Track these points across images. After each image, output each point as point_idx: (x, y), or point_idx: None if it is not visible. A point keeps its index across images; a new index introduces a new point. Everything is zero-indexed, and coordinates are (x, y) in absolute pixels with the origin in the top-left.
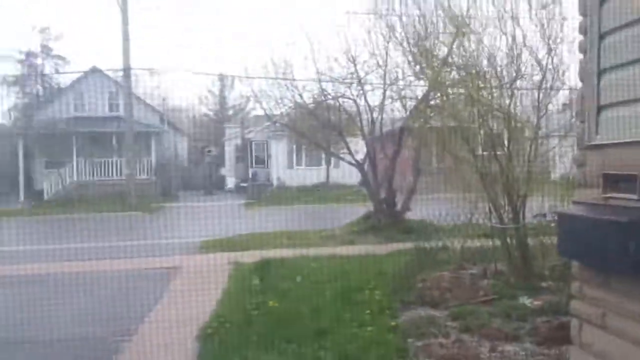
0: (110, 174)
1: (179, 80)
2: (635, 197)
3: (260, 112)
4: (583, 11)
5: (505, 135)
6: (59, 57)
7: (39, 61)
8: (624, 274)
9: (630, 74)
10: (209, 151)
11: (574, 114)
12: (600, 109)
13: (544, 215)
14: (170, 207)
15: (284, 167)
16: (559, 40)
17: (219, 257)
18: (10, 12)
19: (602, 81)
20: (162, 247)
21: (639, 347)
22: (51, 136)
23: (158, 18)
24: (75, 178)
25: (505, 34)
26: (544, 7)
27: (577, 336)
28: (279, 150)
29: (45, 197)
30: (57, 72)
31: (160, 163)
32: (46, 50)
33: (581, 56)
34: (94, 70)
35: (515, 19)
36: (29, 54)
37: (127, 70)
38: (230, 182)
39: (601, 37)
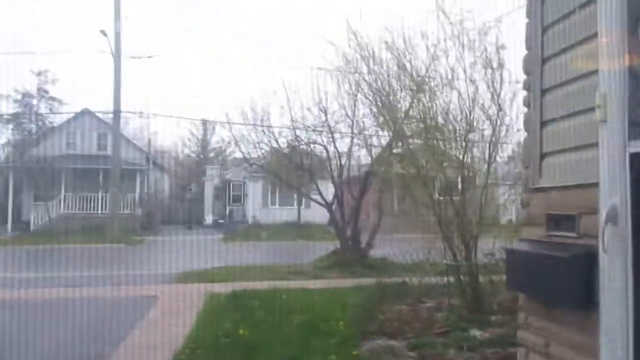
0: (95, 208)
1: (164, 123)
2: (574, 234)
3: (239, 155)
4: (526, 70)
5: (459, 182)
6: (54, 98)
7: (34, 102)
8: (564, 306)
9: (568, 126)
10: (190, 189)
11: (517, 164)
12: (542, 156)
13: (493, 255)
14: (151, 240)
15: (259, 206)
16: (505, 98)
17: (195, 287)
18: (10, 55)
19: (544, 131)
20: (141, 277)
21: None
22: (41, 171)
23: (148, 65)
24: (62, 211)
25: (458, 92)
26: (492, 69)
27: None
28: (254, 190)
29: (32, 228)
30: (51, 112)
31: (143, 199)
32: (42, 92)
33: (525, 109)
34: (86, 112)
35: (468, 79)
36: (25, 95)
37: (116, 112)
38: (209, 219)
39: (542, 92)
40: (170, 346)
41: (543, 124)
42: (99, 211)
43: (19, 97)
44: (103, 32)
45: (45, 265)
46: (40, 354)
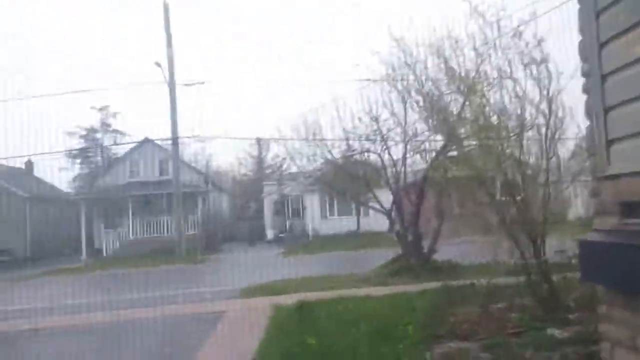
0: (161, 231)
1: (220, 145)
2: None
3: (294, 169)
4: (583, 56)
5: (520, 180)
6: (117, 131)
7: (99, 135)
8: None
9: (635, 109)
10: (249, 206)
11: (582, 159)
12: (609, 142)
13: (564, 251)
14: (215, 258)
15: (318, 217)
16: (557, 92)
17: (261, 301)
18: (71, 95)
19: (608, 117)
20: (208, 294)
21: None
22: (109, 200)
23: (201, 91)
24: (130, 236)
25: (507, 89)
26: (536, 63)
27: (610, 359)
28: (313, 203)
29: (104, 254)
30: (114, 143)
31: (205, 219)
32: (105, 126)
33: (585, 97)
34: (146, 141)
35: (512, 75)
36: (90, 130)
37: (175, 139)
38: (270, 234)
39: (603, 78)
40: (242, 358)
41: (606, 109)
42: (165, 234)
43: (84, 132)
44: (157, 64)
45: (118, 289)
46: None
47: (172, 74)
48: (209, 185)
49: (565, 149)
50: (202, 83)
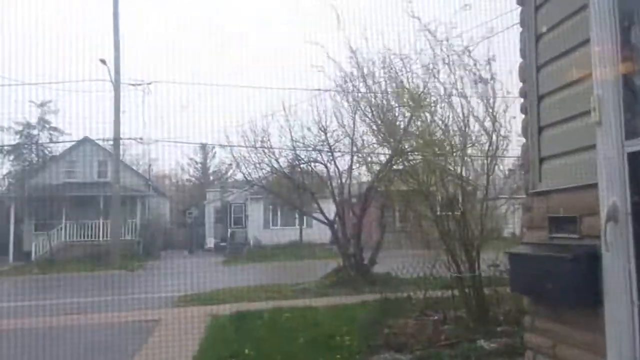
0: (96, 236)
1: (164, 149)
2: (576, 235)
3: (239, 177)
4: (522, 78)
5: (460, 196)
6: (55, 128)
7: (35, 132)
8: (570, 306)
9: (565, 129)
10: (190, 213)
11: (517, 176)
12: (541, 160)
13: (497, 266)
14: (152, 265)
15: (261, 227)
16: (499, 110)
17: (197, 310)
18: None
19: (541, 136)
20: (142, 302)
21: None
22: (42, 201)
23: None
24: (62, 239)
25: (453, 107)
26: (484, 82)
27: None
28: (256, 212)
29: (33, 257)
30: (51, 141)
31: (144, 224)
32: (44, 122)
33: (522, 116)
34: (86, 140)
35: (460, 93)
36: (26, 126)
37: (116, 139)
38: (210, 242)
39: (539, 99)
40: None
41: (541, 129)
42: (100, 238)
43: (20, 128)
44: (102, 61)
45: (46, 294)
46: None
47: (117, 73)
48: (149, 190)
49: (504, 167)
50: (149, 84)
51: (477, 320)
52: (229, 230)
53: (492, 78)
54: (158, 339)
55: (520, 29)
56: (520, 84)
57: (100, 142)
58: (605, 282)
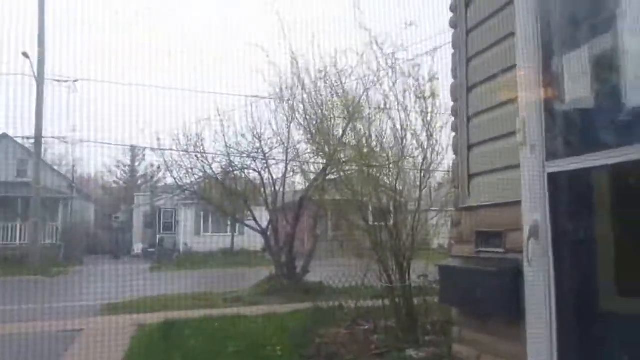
0: (13, 238)
1: (89, 149)
2: (501, 250)
3: (170, 181)
4: (454, 97)
5: (393, 207)
6: None
7: None
8: (494, 317)
9: (492, 148)
10: (117, 217)
11: (448, 191)
12: (470, 177)
13: (426, 276)
14: (75, 271)
15: (191, 233)
16: (436, 127)
17: (122, 319)
18: None
19: (471, 154)
20: (63, 310)
21: None
22: None
23: (72, 90)
24: None
25: (391, 119)
26: (424, 98)
27: None
28: (187, 218)
29: None
30: None
31: (66, 228)
32: None
33: (454, 134)
34: (4, 137)
35: (400, 107)
36: None
37: (38, 138)
38: (138, 248)
39: (469, 118)
40: None
41: (470, 147)
42: (17, 241)
43: None
44: (25, 55)
45: None
46: None
47: (41, 68)
48: (73, 192)
49: (435, 181)
50: (75, 81)
51: (406, 329)
52: (158, 236)
53: (432, 94)
54: (79, 350)
55: (452, 51)
56: (452, 103)
57: (20, 140)
58: (527, 295)
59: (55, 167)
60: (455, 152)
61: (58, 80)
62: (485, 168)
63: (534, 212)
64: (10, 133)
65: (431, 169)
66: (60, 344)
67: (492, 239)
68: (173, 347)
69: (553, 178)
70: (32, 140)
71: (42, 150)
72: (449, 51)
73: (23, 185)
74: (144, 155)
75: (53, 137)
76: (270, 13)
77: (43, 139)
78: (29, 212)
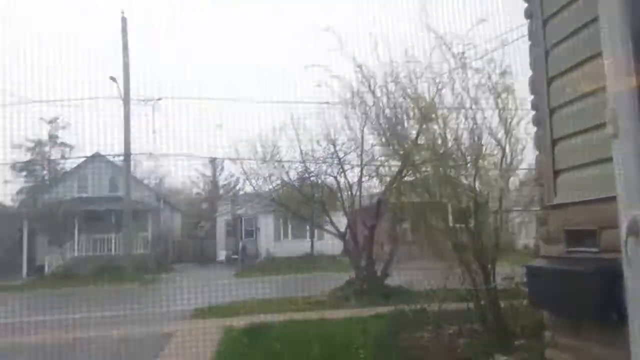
0: (109, 250)
1: (174, 163)
2: (595, 249)
3: (249, 189)
4: (533, 91)
5: (472, 208)
6: (65, 144)
7: (47, 149)
8: (591, 321)
9: (580, 142)
10: (202, 226)
11: (530, 190)
12: (556, 173)
13: (512, 278)
14: (165, 278)
15: (272, 239)
16: (514, 122)
17: (211, 322)
18: (22, 106)
19: (555, 149)
20: (156, 315)
21: None
22: (54, 216)
23: (156, 108)
24: (75, 254)
25: (466, 118)
26: (498, 94)
27: None
28: (267, 224)
29: (47, 272)
30: (62, 157)
31: (155, 238)
32: (54, 138)
33: (535, 129)
34: (97, 156)
35: (474, 105)
36: (37, 143)
37: (127, 155)
38: (222, 255)
39: (551, 111)
40: None
41: (554, 141)
42: (112, 252)
43: (32, 145)
44: (112, 79)
45: (61, 308)
46: None
47: (127, 89)
48: (160, 204)
49: (517, 179)
50: (159, 99)
51: (493, 333)
52: (240, 242)
53: (507, 89)
54: (173, 351)
55: (530, 42)
56: (532, 97)
57: (111, 158)
58: (629, 297)
59: (144, 181)
60: (538, 148)
61: (143, 100)
62: (572, 163)
63: (633, 207)
64: (102, 152)
65: (511, 167)
66: (155, 347)
67: (584, 237)
68: (259, 350)
69: None
70: (122, 157)
71: (132, 166)
72: (521, 46)
73: (115, 199)
74: (223, 166)
75: (140, 153)
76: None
77: (132, 156)
78: (121, 224)
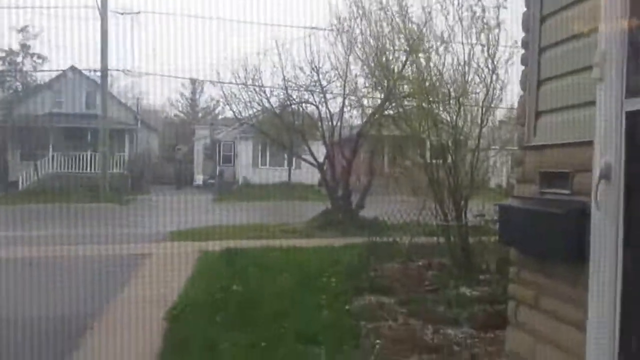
0: (84, 168)
1: (152, 82)
2: (567, 192)
3: (229, 114)
4: (526, 28)
5: (451, 145)
6: (38, 55)
7: (18, 59)
8: (557, 259)
9: (565, 84)
10: (179, 149)
11: (510, 129)
12: (538, 114)
13: (483, 215)
14: (141, 200)
15: (250, 166)
16: (500, 61)
17: (187, 246)
18: None
19: (541, 89)
20: (133, 236)
21: (567, 325)
22: (28, 130)
23: (135, 22)
24: (50, 170)
25: (453, 53)
26: (489, 29)
27: (513, 316)
28: (245, 151)
29: (20, 187)
30: (35, 69)
31: (132, 159)
32: (25, 48)
33: (522, 68)
34: (72, 69)
35: (462, 40)
36: (9, 52)
37: (104, 70)
38: (199, 179)
39: (540, 50)
40: (164, 301)
41: (540, 82)
42: (88, 170)
43: (3, 54)
44: None
45: (36, 224)
46: (37, 311)
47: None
48: (138, 124)
49: (496, 119)
50: (137, 13)
51: (460, 267)
52: (218, 167)
53: (498, 25)
54: (148, 271)
55: None
56: (523, 34)
57: (87, 72)
58: (593, 238)
59: (121, 100)
60: (524, 87)
61: (121, 13)
62: (555, 105)
63: (608, 152)
64: (78, 66)
65: (493, 105)
66: (131, 266)
67: (557, 180)
68: (233, 274)
69: (631, 116)
70: (99, 73)
71: (108, 82)
72: None
73: (91, 116)
74: (203, 88)
75: (118, 70)
76: None
77: (109, 72)
78: (98, 142)
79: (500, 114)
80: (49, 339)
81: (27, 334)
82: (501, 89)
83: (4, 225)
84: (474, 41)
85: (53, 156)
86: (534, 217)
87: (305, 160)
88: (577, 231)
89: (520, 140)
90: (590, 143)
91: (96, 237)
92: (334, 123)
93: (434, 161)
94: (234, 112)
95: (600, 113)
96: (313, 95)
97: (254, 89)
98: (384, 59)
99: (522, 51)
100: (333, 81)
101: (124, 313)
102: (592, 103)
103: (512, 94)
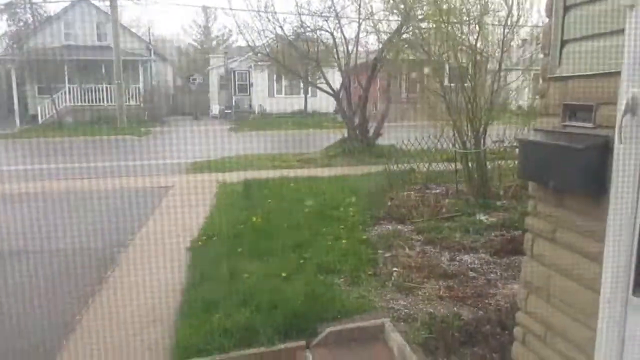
0: (100, 100)
1: (163, 11)
2: (590, 125)
3: (242, 43)
4: None
5: (471, 68)
6: None
7: None
8: (576, 193)
9: (594, 10)
10: (194, 79)
11: (533, 49)
12: (563, 43)
13: (502, 141)
14: (159, 131)
15: (265, 95)
16: None
17: (207, 177)
18: None
19: (567, 16)
20: (152, 168)
21: (584, 257)
22: (43, 63)
23: None
24: (67, 103)
25: None
26: None
27: (529, 248)
28: (260, 80)
29: (40, 121)
30: (45, 1)
31: (148, 90)
32: None
33: None
34: (81, 0)
35: None
36: None
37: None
38: (215, 109)
39: None
40: (187, 233)
41: (567, 8)
42: (105, 103)
43: None
44: None
45: (60, 157)
46: (63, 242)
47: None
48: (151, 54)
49: (519, 39)
50: None
51: (477, 194)
52: (234, 97)
53: None
54: (172, 204)
55: None
56: None
57: (97, 3)
58: (615, 173)
59: (133, 30)
60: (549, 13)
61: None
62: (582, 33)
63: (635, 84)
64: None
65: (515, 24)
66: (155, 198)
67: (581, 112)
68: (253, 205)
69: None
70: (108, 2)
71: (118, 12)
72: None
73: (104, 48)
74: (215, 16)
75: None
76: None
77: (118, 0)
78: (112, 74)
79: (524, 32)
80: (84, 266)
81: (56, 264)
82: (523, 9)
83: (30, 158)
84: None
85: (69, 89)
86: (555, 150)
87: (320, 89)
88: (598, 165)
89: (544, 71)
90: (617, 74)
91: (115, 169)
92: (350, 49)
93: (452, 85)
94: (247, 40)
95: (630, 42)
96: (327, 22)
97: (267, 17)
98: None
99: None
100: (348, 6)
101: (150, 244)
102: (622, 32)
103: (537, 14)
